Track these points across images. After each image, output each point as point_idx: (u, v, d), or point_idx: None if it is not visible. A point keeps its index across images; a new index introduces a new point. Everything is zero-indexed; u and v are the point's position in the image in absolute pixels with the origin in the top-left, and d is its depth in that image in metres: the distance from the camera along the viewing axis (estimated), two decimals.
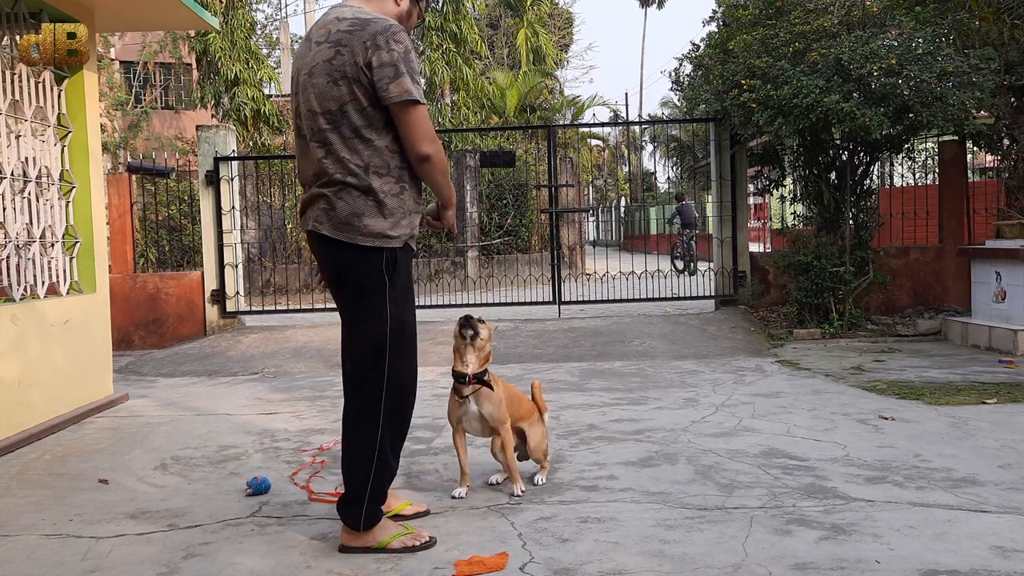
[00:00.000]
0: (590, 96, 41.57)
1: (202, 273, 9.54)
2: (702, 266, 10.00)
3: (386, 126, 2.90)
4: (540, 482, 3.76)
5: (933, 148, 9.77)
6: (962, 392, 5.54)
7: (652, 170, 48.53)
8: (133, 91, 23.88)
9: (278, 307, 10.34)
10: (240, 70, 16.68)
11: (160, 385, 7.04)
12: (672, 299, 9.79)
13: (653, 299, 9.78)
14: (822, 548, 2.90)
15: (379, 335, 2.95)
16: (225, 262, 9.50)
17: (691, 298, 9.69)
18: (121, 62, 23.77)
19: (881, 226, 8.94)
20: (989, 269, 7.72)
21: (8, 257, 5.17)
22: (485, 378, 3.51)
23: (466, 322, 3.47)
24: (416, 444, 4.61)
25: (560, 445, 4.44)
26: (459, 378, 3.51)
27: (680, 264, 17.51)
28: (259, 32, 25.00)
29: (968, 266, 8.25)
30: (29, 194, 5.36)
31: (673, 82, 11.24)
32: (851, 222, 8.46)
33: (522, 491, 3.58)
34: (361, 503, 2.96)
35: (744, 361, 7.15)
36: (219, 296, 9.48)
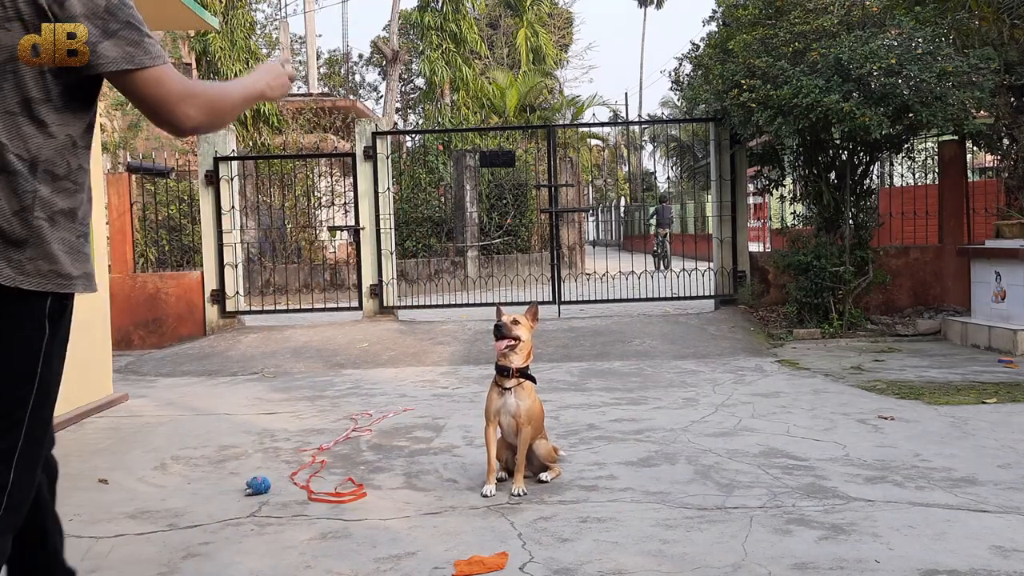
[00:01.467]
0: (590, 96, 41.51)
1: (202, 273, 9.54)
2: (702, 266, 9.99)
3: (73, 106, 1.95)
4: (547, 479, 3.78)
5: (933, 148, 9.77)
6: (962, 392, 5.54)
7: (652, 170, 48.54)
8: None
9: (278, 307, 10.34)
10: (240, 70, 16.69)
11: (160, 385, 7.04)
12: (672, 299, 9.79)
13: (653, 299, 9.78)
14: (822, 548, 2.90)
15: (18, 398, 1.95)
16: (225, 262, 9.50)
17: (691, 298, 9.68)
18: None
19: (881, 226, 8.95)
20: (989, 269, 7.72)
21: None
22: (528, 372, 3.68)
23: (499, 333, 3.60)
24: (416, 444, 4.62)
25: (560, 445, 4.44)
26: (502, 371, 3.65)
27: (655, 261, 18.85)
28: (259, 32, 24.98)
29: (968, 266, 8.25)
30: None
31: (673, 82, 11.25)
32: (851, 222, 8.46)
33: (523, 492, 3.59)
34: None
35: (744, 361, 7.15)
36: (219, 296, 9.48)
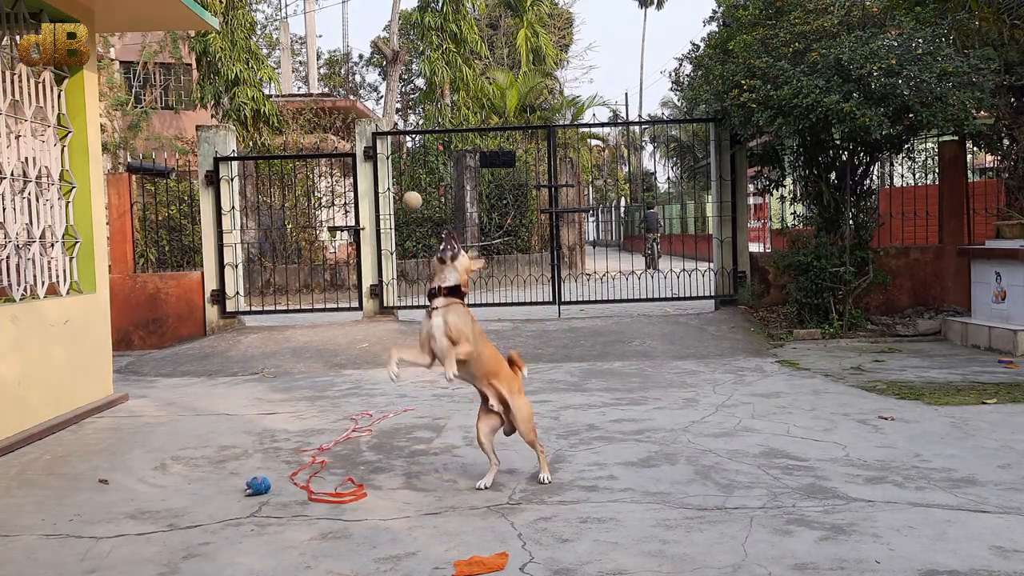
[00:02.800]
0: (590, 96, 41.52)
1: (202, 273, 9.54)
2: (702, 266, 10.00)
3: None
4: (546, 480, 3.76)
5: (933, 148, 9.77)
6: (962, 392, 5.54)
7: (652, 170, 48.51)
8: (133, 91, 23.87)
9: (278, 307, 10.34)
10: (240, 70, 16.68)
11: (160, 385, 7.03)
12: (672, 299, 9.79)
13: (653, 299, 9.78)
14: (822, 548, 2.90)
15: None
16: (225, 262, 9.50)
17: (691, 298, 9.68)
18: (121, 62, 23.76)
19: (881, 226, 8.94)
20: (989, 269, 7.72)
21: (8, 257, 5.17)
22: (459, 292, 3.54)
23: (445, 244, 3.51)
24: (416, 444, 4.62)
25: (560, 445, 4.44)
26: (431, 294, 3.56)
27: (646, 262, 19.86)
28: (259, 32, 25.00)
29: (968, 266, 8.25)
30: (29, 194, 5.36)
31: (673, 82, 11.31)
32: (851, 222, 8.46)
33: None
34: None
35: (744, 361, 7.15)
36: (219, 296, 9.48)
